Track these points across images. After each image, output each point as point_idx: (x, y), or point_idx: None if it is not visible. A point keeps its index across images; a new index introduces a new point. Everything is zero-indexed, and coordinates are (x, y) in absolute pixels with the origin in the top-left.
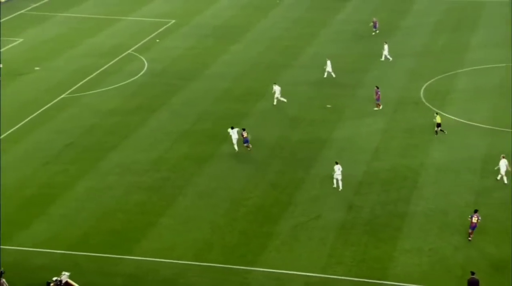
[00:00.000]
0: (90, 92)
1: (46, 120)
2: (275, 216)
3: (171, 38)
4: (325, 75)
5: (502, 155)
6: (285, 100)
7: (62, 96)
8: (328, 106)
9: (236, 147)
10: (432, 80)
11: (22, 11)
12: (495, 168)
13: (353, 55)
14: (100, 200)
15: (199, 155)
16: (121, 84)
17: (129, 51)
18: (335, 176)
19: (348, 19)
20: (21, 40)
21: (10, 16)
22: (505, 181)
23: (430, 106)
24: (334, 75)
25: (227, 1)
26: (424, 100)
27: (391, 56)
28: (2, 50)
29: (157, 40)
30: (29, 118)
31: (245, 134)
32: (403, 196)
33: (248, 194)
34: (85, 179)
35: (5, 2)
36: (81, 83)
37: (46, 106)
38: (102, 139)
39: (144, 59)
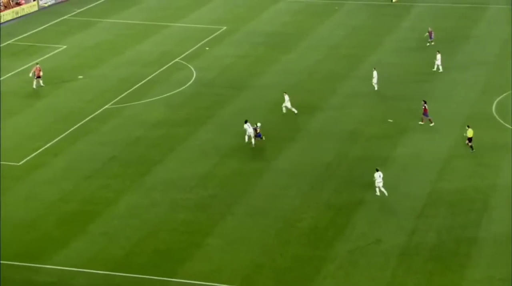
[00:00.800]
0: (135, 103)
1: (88, 132)
2: (330, 239)
3: (222, 45)
4: (376, 88)
5: None
6: (295, 111)
7: (105, 106)
8: (390, 120)
9: (252, 141)
10: (506, 94)
11: (66, 16)
12: None
13: (418, 65)
14: (144, 218)
15: (249, 171)
16: (168, 94)
17: (177, 59)
18: (376, 184)
19: (412, 27)
20: (64, 47)
21: (54, 22)
22: None
23: (503, 123)
24: (376, 88)
25: (282, 7)
26: (496, 115)
27: (443, 68)
28: (46, 57)
29: (207, 48)
30: (71, 129)
31: (258, 129)
32: (472, 220)
33: (301, 214)
34: (128, 194)
35: (48, 7)
36: (126, 93)
37: (88, 117)
38: (147, 153)
39: (192, 68)
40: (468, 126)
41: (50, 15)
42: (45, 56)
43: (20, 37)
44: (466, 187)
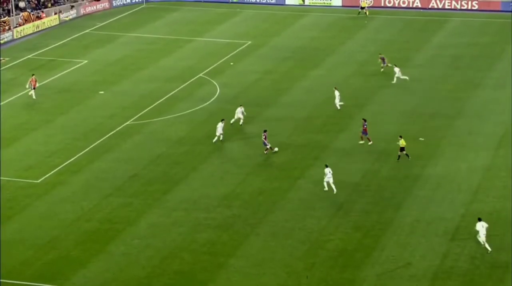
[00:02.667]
0: (157, 119)
1: (109, 149)
2: (358, 262)
3: (247, 61)
4: (338, 108)
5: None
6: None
7: (127, 123)
8: (421, 139)
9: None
10: None
11: (87, 30)
12: None
13: (451, 82)
14: (165, 238)
15: (274, 191)
16: (190, 110)
17: (200, 74)
18: (326, 179)
19: (446, 43)
20: (85, 61)
21: (75, 36)
22: None
23: None
24: (338, 107)
25: (309, 21)
26: None
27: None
28: (66, 71)
29: (231, 63)
30: (91, 146)
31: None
32: (506, 244)
33: (328, 235)
34: (150, 213)
35: (69, 21)
36: (147, 109)
37: (109, 134)
38: (169, 171)
39: (216, 84)
40: (401, 137)
41: (71, 29)
42: (66, 71)
43: (41, 51)
44: (501, 208)
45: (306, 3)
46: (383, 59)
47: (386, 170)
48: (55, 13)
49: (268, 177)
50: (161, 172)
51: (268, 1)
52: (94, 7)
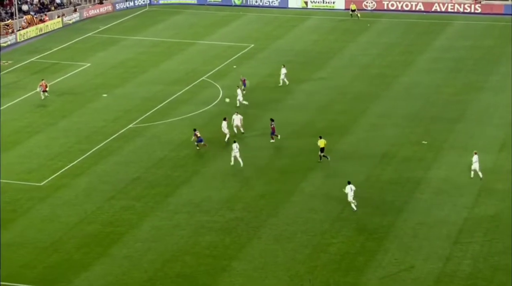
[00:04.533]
0: (160, 122)
1: (111, 152)
2: (361, 265)
3: (249, 64)
4: (281, 83)
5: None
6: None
7: (129, 126)
8: (424, 142)
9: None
10: None
11: (90, 33)
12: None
13: (453, 86)
14: (168, 241)
15: (276, 194)
16: (193, 113)
17: (203, 77)
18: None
19: (448, 46)
20: (88, 64)
21: (78, 39)
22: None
23: None
24: (283, 83)
25: (311, 25)
26: None
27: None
28: (70, 74)
29: (234, 66)
30: (93, 149)
31: (198, 134)
32: (509, 246)
33: (330, 239)
34: (152, 216)
35: (72, 24)
36: (150, 112)
37: (112, 137)
38: (171, 174)
39: (219, 87)
40: (320, 137)
41: (74, 32)
42: (69, 74)
43: (44, 54)
44: (503, 212)
45: (309, 6)
46: (243, 81)
47: (388, 173)
48: (58, 16)
49: (270, 180)
50: (164, 175)
51: (271, 4)
52: (97, 10)
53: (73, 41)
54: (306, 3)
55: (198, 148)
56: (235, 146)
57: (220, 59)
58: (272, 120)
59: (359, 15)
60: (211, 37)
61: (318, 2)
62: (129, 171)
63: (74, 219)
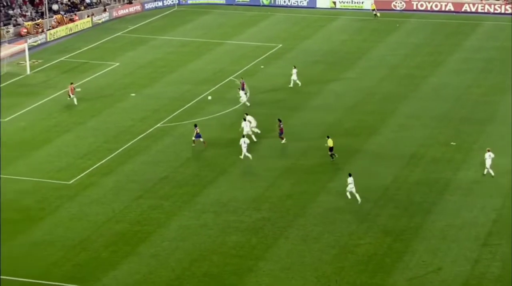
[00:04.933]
0: (187, 121)
1: (139, 151)
2: (388, 266)
3: (277, 64)
4: (291, 84)
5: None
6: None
7: (157, 125)
8: (453, 143)
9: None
10: None
11: (119, 33)
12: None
13: (483, 86)
14: (195, 240)
15: (303, 194)
16: (221, 113)
17: (230, 77)
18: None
19: (478, 46)
20: (117, 64)
21: (107, 39)
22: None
23: None
24: (299, 84)
25: (340, 25)
26: None
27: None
28: (98, 74)
29: (262, 66)
30: (122, 148)
31: (197, 130)
32: None
33: (358, 240)
34: (179, 216)
35: (102, 23)
36: (178, 111)
37: (140, 136)
38: (199, 173)
39: (246, 87)
40: (328, 137)
41: (103, 32)
42: (98, 74)
43: (73, 54)
44: None
45: (337, 6)
46: (242, 84)
47: (417, 174)
48: (88, 16)
49: (297, 181)
50: (191, 175)
51: (299, 4)
52: (127, 10)
53: (102, 40)
54: (334, 3)
55: (193, 144)
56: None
57: (248, 59)
58: (280, 120)
59: (378, 14)
60: (239, 37)
61: (347, 2)
62: (157, 170)
63: (102, 217)
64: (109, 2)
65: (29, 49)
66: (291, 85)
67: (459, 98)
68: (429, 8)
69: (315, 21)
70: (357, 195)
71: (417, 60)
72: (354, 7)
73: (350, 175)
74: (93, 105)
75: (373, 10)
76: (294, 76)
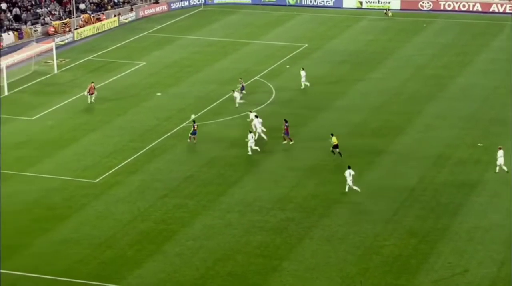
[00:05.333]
0: (212, 121)
1: (165, 150)
2: (413, 268)
3: (303, 64)
4: (303, 87)
5: (499, 147)
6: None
7: (183, 125)
8: (480, 144)
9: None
10: None
11: (145, 33)
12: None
13: (510, 87)
14: (219, 240)
15: (328, 194)
16: (245, 113)
17: (256, 77)
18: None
19: (506, 47)
20: (143, 63)
21: (133, 38)
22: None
23: None
24: (308, 84)
25: (366, 25)
26: None
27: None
28: (124, 73)
29: (287, 66)
30: (147, 147)
31: (195, 126)
32: None
33: (383, 241)
34: (204, 215)
35: (128, 23)
36: (203, 111)
37: (165, 135)
38: (223, 173)
39: (272, 87)
40: (332, 135)
41: (130, 31)
42: (124, 73)
43: (100, 53)
44: None
45: (364, 6)
46: (242, 85)
47: (443, 175)
48: (115, 16)
49: (322, 181)
50: (216, 174)
51: (325, 4)
52: (153, 9)
53: (129, 40)
54: (360, 3)
55: (189, 140)
56: (348, 173)
57: (274, 59)
58: (286, 121)
59: (390, 14)
60: (265, 37)
61: (373, 2)
62: (182, 170)
63: (128, 216)
64: (135, 1)
65: (56, 48)
66: (303, 87)
67: (487, 99)
68: (456, 8)
69: (341, 21)
70: (354, 187)
71: (444, 61)
72: (381, 7)
73: (349, 167)
74: (119, 104)
75: (386, 9)
76: (303, 79)
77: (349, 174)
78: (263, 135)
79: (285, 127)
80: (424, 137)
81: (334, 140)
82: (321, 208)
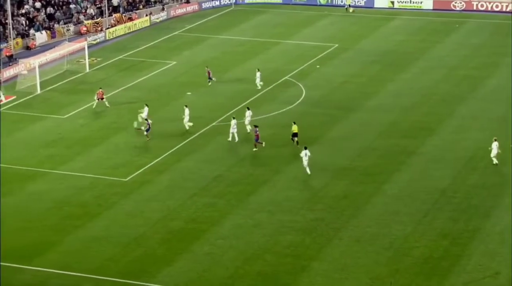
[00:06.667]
0: (242, 120)
1: (194, 150)
2: (444, 270)
3: (333, 64)
4: (258, 87)
5: (494, 138)
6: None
7: (212, 124)
8: None
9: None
10: None
11: (176, 32)
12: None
13: None
14: (249, 239)
15: (358, 195)
16: (276, 113)
17: (286, 77)
18: (231, 131)
19: None
20: (174, 63)
21: (165, 37)
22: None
23: None
24: (259, 86)
25: (397, 25)
26: None
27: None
28: (155, 72)
29: (318, 66)
30: (177, 146)
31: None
32: None
33: (413, 242)
34: (233, 214)
35: (159, 22)
36: (233, 110)
37: (195, 135)
38: (253, 173)
39: (302, 87)
40: (294, 123)
41: (161, 31)
42: (155, 72)
43: (131, 52)
44: None
45: (395, 6)
46: (208, 73)
47: (475, 176)
48: (146, 15)
49: (352, 181)
50: (246, 173)
51: (357, 4)
52: (184, 9)
53: (160, 39)
54: (392, 2)
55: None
56: (304, 153)
57: (304, 59)
58: (256, 126)
59: (351, 10)
60: (296, 37)
61: (405, 2)
62: (211, 169)
63: (158, 214)
64: (167, 1)
65: (88, 47)
66: (258, 87)
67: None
68: (489, 9)
69: (372, 21)
70: (307, 168)
71: (476, 61)
72: (413, 7)
73: (305, 148)
74: (150, 103)
75: (348, 5)
76: (258, 79)
77: (305, 154)
78: (248, 127)
79: (256, 133)
80: (455, 138)
81: (294, 128)
82: (351, 209)
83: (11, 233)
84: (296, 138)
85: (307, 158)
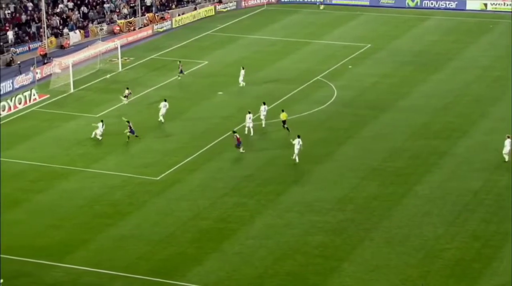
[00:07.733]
0: (273, 120)
1: (225, 149)
2: (476, 272)
3: (365, 64)
4: (241, 85)
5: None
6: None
7: (243, 123)
8: None
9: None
10: None
11: (209, 32)
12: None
13: None
14: (279, 239)
15: (389, 196)
16: (307, 113)
17: (318, 77)
18: (247, 124)
19: None
20: (206, 62)
21: (197, 37)
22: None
23: None
24: (241, 85)
25: (431, 25)
26: None
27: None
28: (187, 72)
29: (350, 66)
30: (208, 146)
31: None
32: None
33: (445, 244)
34: (263, 214)
35: (191, 22)
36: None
37: (226, 134)
38: (284, 173)
39: (333, 87)
40: (283, 110)
41: (193, 30)
42: (187, 72)
43: (163, 52)
44: None
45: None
46: (180, 67)
47: (507, 178)
48: (179, 15)
49: (383, 182)
50: (276, 173)
51: (387, 4)
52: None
53: (192, 39)
54: (485, 5)
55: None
56: (297, 141)
57: (335, 59)
58: (234, 132)
59: (321, 7)
60: (327, 37)
61: (498, 5)
62: (242, 168)
63: (188, 214)
64: (199, 1)
65: (121, 46)
66: (241, 85)
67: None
68: None
69: (404, 21)
70: (296, 157)
71: (509, 62)
72: (445, 7)
73: (298, 137)
74: (181, 103)
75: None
76: (241, 77)
77: (297, 142)
78: (263, 122)
79: (237, 138)
80: (487, 140)
81: (282, 116)
82: (382, 210)
83: (43, 230)
84: (285, 125)
85: (299, 146)
